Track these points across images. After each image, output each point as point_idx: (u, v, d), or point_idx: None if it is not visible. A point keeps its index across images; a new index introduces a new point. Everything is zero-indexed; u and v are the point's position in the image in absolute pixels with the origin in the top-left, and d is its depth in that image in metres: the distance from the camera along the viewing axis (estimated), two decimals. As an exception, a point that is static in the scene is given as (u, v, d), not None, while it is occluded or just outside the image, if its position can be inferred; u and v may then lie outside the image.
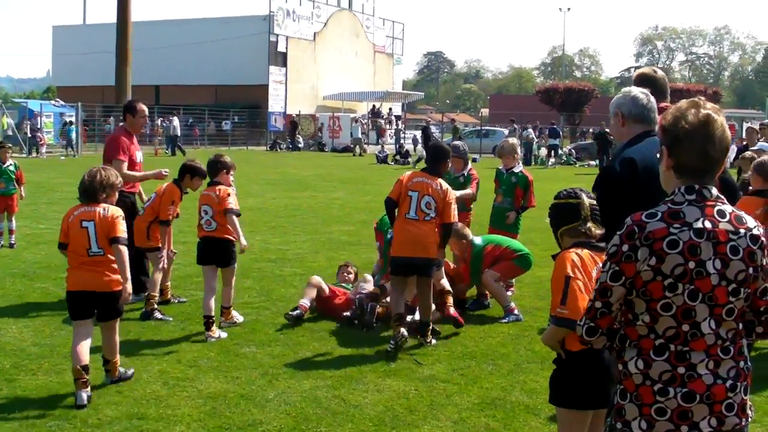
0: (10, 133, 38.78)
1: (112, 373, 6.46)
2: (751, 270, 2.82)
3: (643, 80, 5.30)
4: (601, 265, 2.93)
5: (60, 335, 7.74)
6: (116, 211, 6.34)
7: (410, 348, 7.57)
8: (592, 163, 39.45)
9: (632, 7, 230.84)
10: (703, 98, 2.97)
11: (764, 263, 2.88)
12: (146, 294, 8.63)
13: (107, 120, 47.34)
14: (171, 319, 8.40)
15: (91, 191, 6.34)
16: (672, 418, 2.76)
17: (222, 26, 62.51)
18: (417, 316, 8.16)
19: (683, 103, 2.93)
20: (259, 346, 7.53)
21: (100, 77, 56.57)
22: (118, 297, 6.23)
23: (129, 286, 6.23)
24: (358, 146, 48.41)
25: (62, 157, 37.16)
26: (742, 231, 2.82)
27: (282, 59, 63.77)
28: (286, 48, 63.92)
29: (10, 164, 12.98)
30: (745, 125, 25.42)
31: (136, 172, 9.20)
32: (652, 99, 4.84)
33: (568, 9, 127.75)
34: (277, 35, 62.90)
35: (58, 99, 54.78)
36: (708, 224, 2.78)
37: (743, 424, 2.83)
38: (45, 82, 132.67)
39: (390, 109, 66.17)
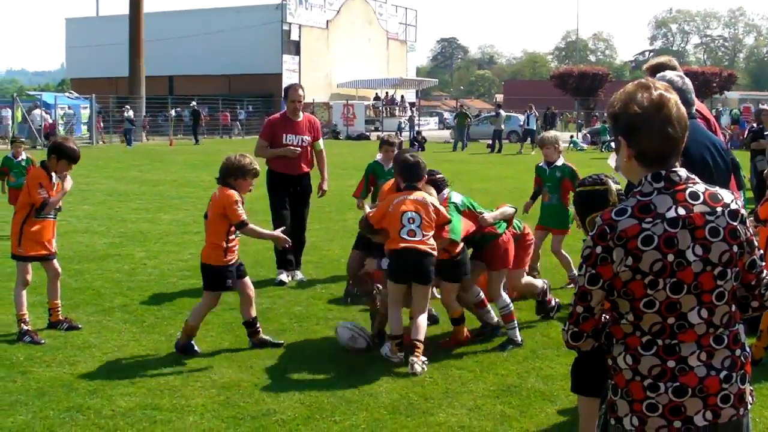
0: (26, 125, 38.86)
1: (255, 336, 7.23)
2: (735, 248, 2.67)
3: (657, 70, 5.27)
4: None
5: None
6: (224, 199, 6.83)
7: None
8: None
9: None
10: (650, 78, 2.80)
11: (748, 236, 2.73)
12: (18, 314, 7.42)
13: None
14: (44, 342, 7.20)
15: (220, 174, 6.98)
16: (664, 414, 2.64)
17: (234, 16, 62.52)
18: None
19: (629, 86, 2.75)
20: (273, 335, 7.49)
21: (114, 69, 56.90)
22: (210, 270, 6.88)
23: (276, 234, 7.29)
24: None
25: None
26: (719, 209, 2.67)
27: (295, 48, 63.75)
28: (299, 36, 63.87)
29: (23, 159, 13.25)
30: (761, 106, 25.20)
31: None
32: (687, 81, 4.80)
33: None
34: (290, 24, 62.86)
35: (71, 91, 54.89)
36: (681, 211, 2.62)
37: (741, 413, 2.70)
38: (59, 75, 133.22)
39: (402, 96, 65.99)
